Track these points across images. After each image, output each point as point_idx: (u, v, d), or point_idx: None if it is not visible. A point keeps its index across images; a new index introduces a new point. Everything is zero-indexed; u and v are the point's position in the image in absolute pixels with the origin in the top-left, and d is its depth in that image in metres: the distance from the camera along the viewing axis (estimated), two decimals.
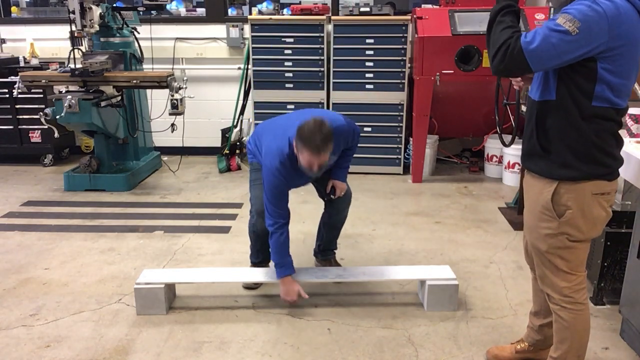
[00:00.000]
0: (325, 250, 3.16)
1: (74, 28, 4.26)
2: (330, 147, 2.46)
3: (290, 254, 2.71)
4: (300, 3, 5.56)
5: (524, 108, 3.18)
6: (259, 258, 3.05)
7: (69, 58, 4.45)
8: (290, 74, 5.03)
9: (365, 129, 4.98)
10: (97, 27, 4.39)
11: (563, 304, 1.94)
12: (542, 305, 2.18)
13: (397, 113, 4.95)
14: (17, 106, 5.23)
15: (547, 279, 1.96)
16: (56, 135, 4.41)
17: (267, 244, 3.01)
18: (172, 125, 4.79)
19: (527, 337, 2.32)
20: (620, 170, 2.15)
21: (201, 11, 5.65)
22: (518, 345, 2.33)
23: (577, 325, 1.95)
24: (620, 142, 1.83)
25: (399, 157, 5.07)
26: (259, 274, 2.86)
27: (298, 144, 2.44)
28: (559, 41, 1.63)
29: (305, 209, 4.04)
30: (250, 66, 5.09)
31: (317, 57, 4.96)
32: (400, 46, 4.81)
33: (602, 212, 1.84)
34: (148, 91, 5.17)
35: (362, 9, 4.86)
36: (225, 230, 3.80)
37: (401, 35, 4.78)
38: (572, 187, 1.79)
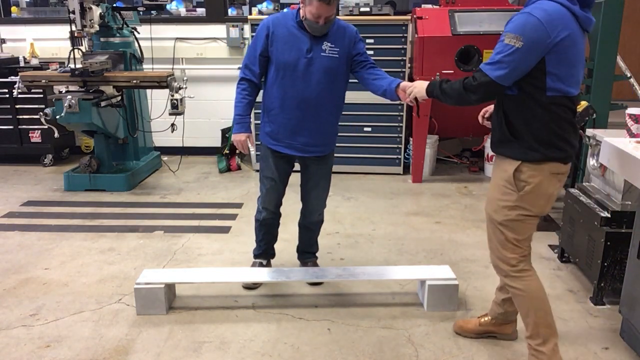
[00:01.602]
0: (304, 253, 3.15)
1: (74, 28, 4.26)
2: (336, 5, 2.62)
3: (249, 114, 2.77)
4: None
5: None
6: (260, 249, 3.07)
7: (69, 58, 4.45)
8: None
9: (365, 129, 4.98)
10: (97, 27, 4.39)
11: (512, 273, 2.15)
12: None
13: (397, 113, 4.95)
14: (17, 106, 5.24)
15: (497, 251, 2.18)
16: (56, 135, 4.41)
17: (270, 235, 3.03)
18: (172, 125, 4.79)
19: (490, 311, 2.50)
20: (620, 170, 2.21)
21: (201, 11, 5.65)
22: (482, 319, 2.51)
23: (531, 291, 2.14)
24: (576, 130, 2.06)
25: (399, 157, 5.07)
26: (259, 274, 2.86)
27: None
28: (514, 57, 1.90)
29: None
30: None
31: None
32: (400, 46, 4.80)
33: (555, 191, 2.08)
34: (148, 91, 5.17)
35: (362, 9, 4.86)
36: (225, 230, 3.80)
37: (401, 35, 4.78)
38: (533, 166, 2.02)
